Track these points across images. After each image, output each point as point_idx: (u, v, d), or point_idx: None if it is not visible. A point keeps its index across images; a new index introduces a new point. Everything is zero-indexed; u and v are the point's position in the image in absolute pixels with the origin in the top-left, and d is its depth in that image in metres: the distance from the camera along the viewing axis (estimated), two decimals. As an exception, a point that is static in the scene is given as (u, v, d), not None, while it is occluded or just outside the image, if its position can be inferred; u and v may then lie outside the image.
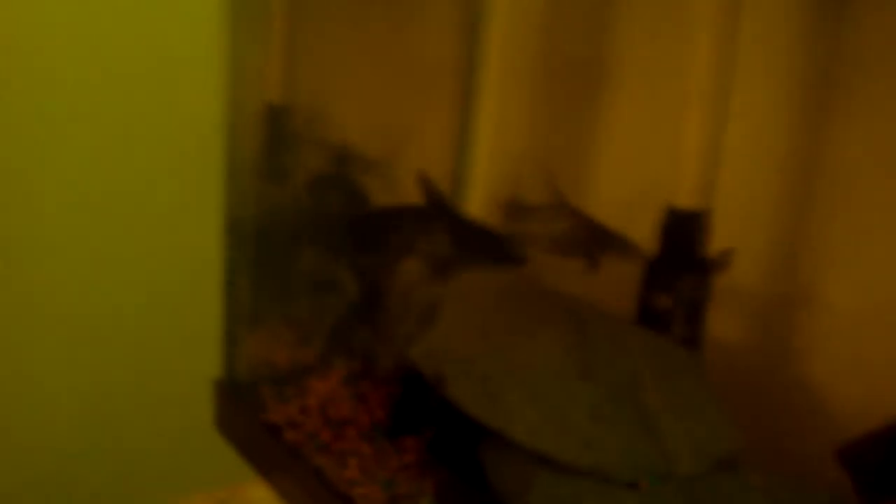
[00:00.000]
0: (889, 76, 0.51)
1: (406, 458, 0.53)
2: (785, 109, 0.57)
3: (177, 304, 0.92)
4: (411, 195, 0.58)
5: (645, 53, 0.66)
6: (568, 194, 0.63)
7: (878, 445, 0.46)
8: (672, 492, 0.41)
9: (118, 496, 0.94)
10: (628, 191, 0.66)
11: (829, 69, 0.55)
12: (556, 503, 0.42)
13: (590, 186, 0.70)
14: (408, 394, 0.55)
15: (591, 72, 0.69)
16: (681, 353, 0.50)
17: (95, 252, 0.89)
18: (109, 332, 0.91)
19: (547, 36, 0.71)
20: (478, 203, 0.69)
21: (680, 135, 0.55)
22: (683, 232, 0.54)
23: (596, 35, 0.68)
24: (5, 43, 0.80)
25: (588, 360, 0.46)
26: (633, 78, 0.67)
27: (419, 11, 0.75)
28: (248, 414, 0.57)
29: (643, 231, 0.57)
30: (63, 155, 0.85)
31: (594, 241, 0.59)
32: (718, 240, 0.55)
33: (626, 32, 0.67)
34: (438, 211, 0.55)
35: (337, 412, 0.57)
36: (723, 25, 0.50)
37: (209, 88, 0.61)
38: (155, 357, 0.93)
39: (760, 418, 0.53)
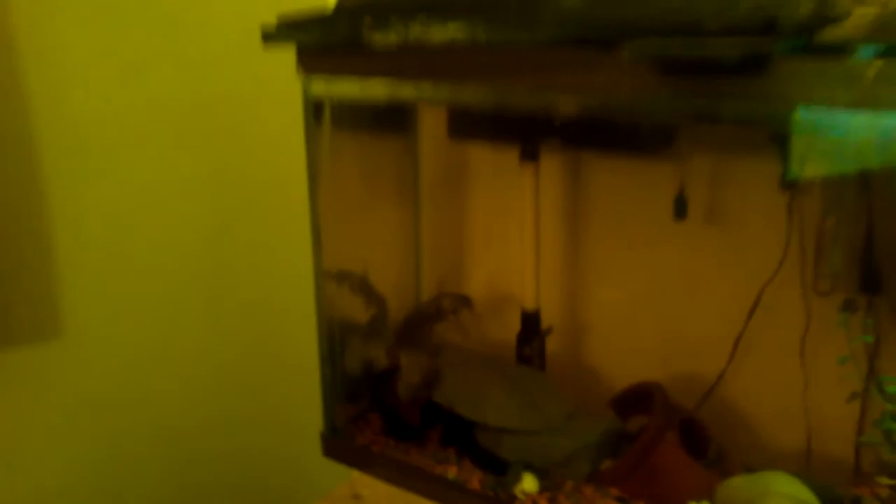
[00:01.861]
0: (605, 210, 1.23)
1: (432, 447, 1.18)
2: (562, 234, 1.29)
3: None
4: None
5: (490, 211, 1.35)
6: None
7: (628, 397, 1.18)
8: (553, 432, 1.10)
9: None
10: (496, 298, 1.35)
11: (576, 210, 1.26)
12: (514, 448, 1.10)
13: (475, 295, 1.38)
14: (425, 416, 1.20)
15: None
16: (541, 374, 1.20)
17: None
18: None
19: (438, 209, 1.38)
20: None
21: (523, 269, 1.24)
22: (531, 321, 1.24)
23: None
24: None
25: (512, 385, 1.13)
26: (487, 227, 1.36)
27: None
28: (344, 444, 1.19)
29: (507, 319, 1.26)
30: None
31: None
32: (545, 318, 1.25)
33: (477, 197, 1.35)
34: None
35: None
36: (531, 197, 1.19)
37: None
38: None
39: (579, 387, 1.24)
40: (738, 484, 1.00)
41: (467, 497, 1.09)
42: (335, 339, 1.18)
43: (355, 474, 1.20)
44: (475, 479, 1.10)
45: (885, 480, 0.85)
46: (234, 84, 1.36)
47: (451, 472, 1.11)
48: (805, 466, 1.10)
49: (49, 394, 1.24)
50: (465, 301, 1.31)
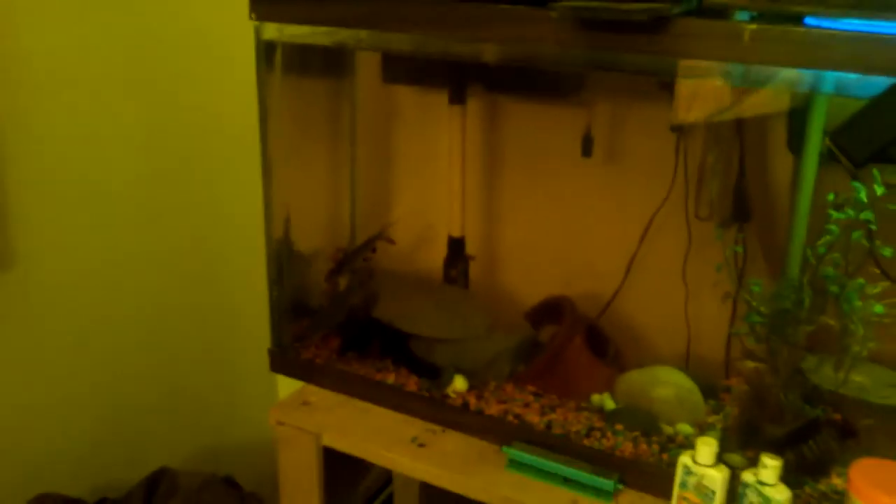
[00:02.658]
0: (522, 149, 1.40)
1: (371, 360, 1.33)
2: (483, 170, 1.45)
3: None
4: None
5: (420, 149, 1.49)
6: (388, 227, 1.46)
7: (540, 309, 1.37)
8: (476, 339, 1.27)
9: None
10: (425, 227, 1.50)
11: (497, 148, 1.43)
12: (445, 355, 1.26)
13: (400, 224, 1.52)
14: (363, 332, 1.34)
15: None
16: (466, 292, 1.36)
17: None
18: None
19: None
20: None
21: (450, 200, 1.39)
22: (456, 246, 1.40)
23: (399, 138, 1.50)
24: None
25: (439, 302, 1.29)
26: (417, 164, 1.50)
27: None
28: (291, 359, 1.32)
29: (435, 246, 1.42)
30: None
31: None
32: (468, 245, 1.41)
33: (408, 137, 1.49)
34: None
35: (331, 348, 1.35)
36: (458, 136, 1.35)
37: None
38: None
39: (498, 304, 1.42)
40: (632, 377, 1.21)
41: (405, 398, 1.25)
42: (282, 265, 1.30)
43: (304, 385, 1.34)
44: (412, 383, 1.26)
45: (749, 363, 1.07)
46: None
47: (390, 378, 1.27)
48: (687, 363, 1.33)
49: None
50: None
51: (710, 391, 1.20)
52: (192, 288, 1.49)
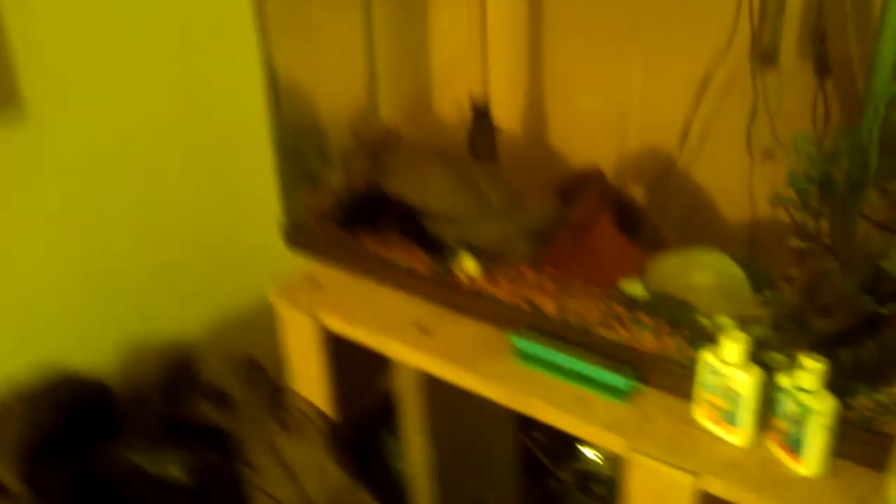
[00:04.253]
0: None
1: (385, 238, 1.22)
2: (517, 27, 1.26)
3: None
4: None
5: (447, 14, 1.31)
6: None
7: (571, 184, 1.19)
8: (497, 219, 1.12)
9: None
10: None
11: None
12: (458, 233, 1.13)
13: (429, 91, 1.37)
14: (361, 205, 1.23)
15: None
16: (489, 167, 1.21)
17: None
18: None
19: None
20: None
21: (476, 64, 1.22)
22: (481, 115, 1.23)
23: None
24: None
25: (458, 175, 1.15)
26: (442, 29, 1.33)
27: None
28: (300, 233, 1.24)
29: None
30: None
31: None
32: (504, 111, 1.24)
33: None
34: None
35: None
36: None
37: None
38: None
39: (529, 187, 1.26)
40: (668, 261, 1.03)
41: (414, 279, 1.13)
42: (289, 136, 1.20)
43: (315, 265, 1.25)
44: (421, 263, 1.14)
45: (796, 242, 0.86)
46: None
47: (400, 258, 1.15)
48: (744, 249, 1.12)
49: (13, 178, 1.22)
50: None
51: (768, 283, 1.00)
52: (202, 153, 1.40)
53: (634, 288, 1.02)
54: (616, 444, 0.91)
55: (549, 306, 1.02)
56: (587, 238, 1.06)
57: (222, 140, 1.40)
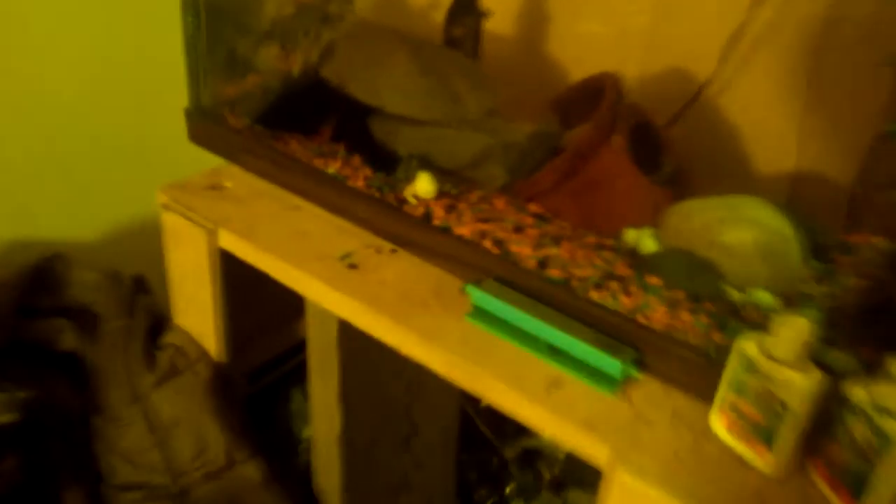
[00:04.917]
0: None
1: (321, 141, 0.92)
2: None
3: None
4: None
5: None
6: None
7: (576, 95, 0.91)
8: (468, 127, 0.83)
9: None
10: None
11: None
12: (414, 142, 0.84)
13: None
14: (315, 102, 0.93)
15: None
16: (466, 59, 0.91)
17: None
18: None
19: None
20: None
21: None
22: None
23: None
24: None
25: (425, 65, 0.85)
26: None
27: None
28: (215, 128, 0.93)
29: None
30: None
31: None
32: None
33: None
34: None
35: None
36: None
37: None
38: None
39: (521, 84, 0.96)
40: (692, 207, 0.75)
41: (347, 195, 0.84)
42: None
43: (222, 163, 0.95)
44: (360, 177, 0.85)
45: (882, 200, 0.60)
46: None
47: (333, 167, 0.86)
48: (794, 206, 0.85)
49: None
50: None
51: (821, 251, 0.73)
52: (102, 26, 1.09)
53: (645, 240, 0.75)
54: (596, 451, 0.64)
55: (525, 253, 0.74)
56: (589, 166, 0.78)
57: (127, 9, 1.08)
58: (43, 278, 1.05)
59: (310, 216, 0.87)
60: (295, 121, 0.92)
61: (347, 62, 0.87)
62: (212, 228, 0.85)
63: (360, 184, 0.84)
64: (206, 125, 0.94)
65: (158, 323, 0.98)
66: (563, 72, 1.01)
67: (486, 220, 0.78)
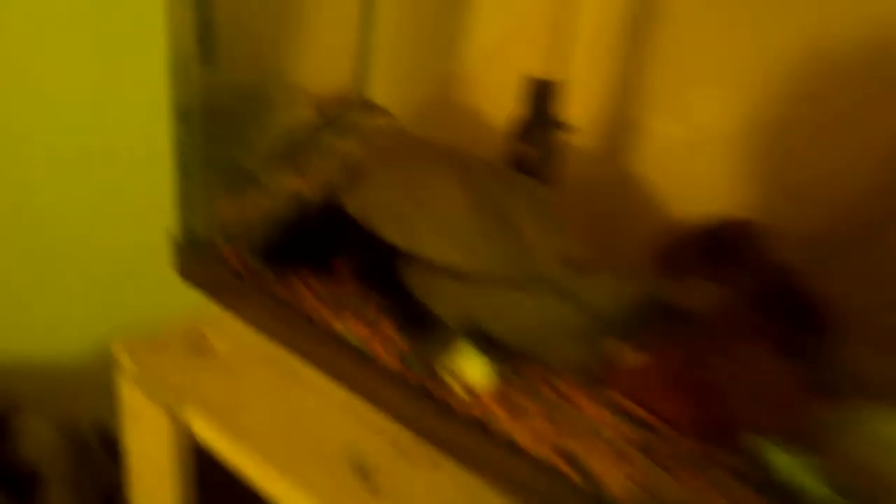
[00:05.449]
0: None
1: (339, 283, 0.70)
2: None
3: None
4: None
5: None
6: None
7: (694, 244, 0.67)
8: (538, 287, 0.60)
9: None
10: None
11: None
12: (460, 302, 0.60)
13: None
14: (335, 235, 0.71)
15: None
16: (540, 189, 0.68)
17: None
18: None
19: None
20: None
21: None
22: (541, 95, 0.71)
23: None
24: None
25: (480, 197, 0.63)
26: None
27: None
28: (208, 263, 0.72)
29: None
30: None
31: None
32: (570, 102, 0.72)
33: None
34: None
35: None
36: None
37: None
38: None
39: (609, 224, 0.73)
40: (877, 421, 0.49)
41: (368, 373, 0.61)
42: (203, 99, 0.69)
43: (211, 309, 0.73)
44: (385, 343, 0.61)
45: None
46: None
47: (353, 332, 0.63)
48: None
49: None
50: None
51: None
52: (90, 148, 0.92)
53: (792, 468, 0.49)
54: None
55: (614, 479, 0.49)
56: (712, 346, 0.53)
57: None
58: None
59: (315, 393, 0.63)
60: (306, 258, 0.70)
61: (378, 191, 0.65)
62: (178, 409, 0.62)
63: (384, 355, 0.60)
64: (192, 257, 0.73)
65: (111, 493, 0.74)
66: (659, 204, 0.77)
67: (559, 424, 0.53)
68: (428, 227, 0.61)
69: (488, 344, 0.58)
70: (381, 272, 0.65)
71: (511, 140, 0.72)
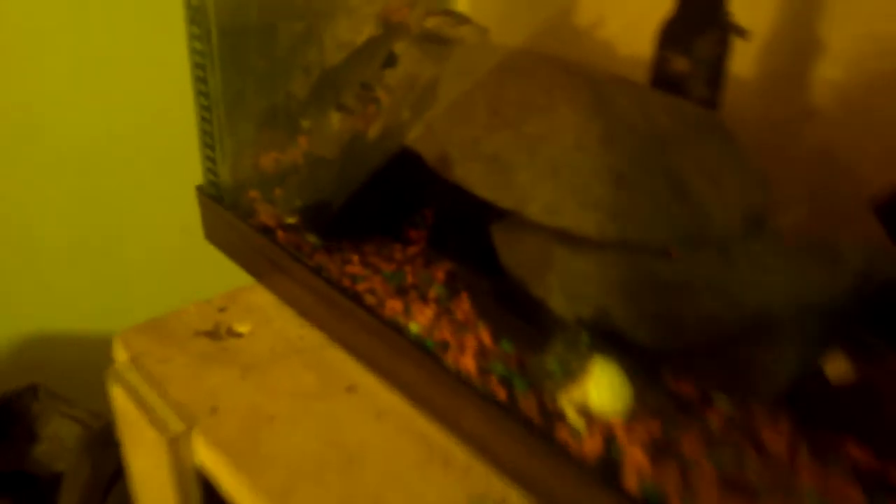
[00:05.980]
0: None
1: (410, 251, 0.50)
2: None
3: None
4: None
5: None
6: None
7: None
8: (705, 257, 0.38)
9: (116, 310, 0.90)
10: None
11: None
12: (578, 281, 0.39)
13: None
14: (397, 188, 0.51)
15: None
16: (704, 115, 0.46)
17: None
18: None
19: None
20: None
21: None
22: None
23: None
24: None
25: (609, 127, 0.41)
26: None
27: None
28: (237, 220, 0.53)
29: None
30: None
31: None
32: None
33: None
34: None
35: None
36: None
37: None
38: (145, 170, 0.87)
39: (784, 181, 0.50)
40: None
41: (444, 383, 0.41)
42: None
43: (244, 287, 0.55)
44: (470, 346, 0.41)
45: None
46: None
47: (420, 321, 0.43)
48: None
49: None
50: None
51: None
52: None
53: None
54: None
55: None
56: None
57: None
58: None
59: (369, 410, 0.44)
60: (364, 222, 0.50)
61: (466, 128, 0.44)
62: (176, 434, 0.44)
63: (468, 362, 0.40)
64: (227, 216, 0.55)
65: None
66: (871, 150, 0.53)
67: (744, 482, 0.32)
68: (532, 173, 0.40)
69: (629, 352, 0.37)
70: (469, 243, 0.45)
71: (660, 50, 0.50)
